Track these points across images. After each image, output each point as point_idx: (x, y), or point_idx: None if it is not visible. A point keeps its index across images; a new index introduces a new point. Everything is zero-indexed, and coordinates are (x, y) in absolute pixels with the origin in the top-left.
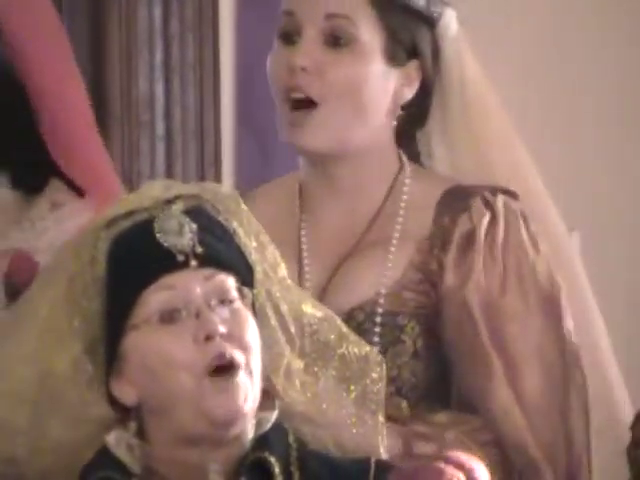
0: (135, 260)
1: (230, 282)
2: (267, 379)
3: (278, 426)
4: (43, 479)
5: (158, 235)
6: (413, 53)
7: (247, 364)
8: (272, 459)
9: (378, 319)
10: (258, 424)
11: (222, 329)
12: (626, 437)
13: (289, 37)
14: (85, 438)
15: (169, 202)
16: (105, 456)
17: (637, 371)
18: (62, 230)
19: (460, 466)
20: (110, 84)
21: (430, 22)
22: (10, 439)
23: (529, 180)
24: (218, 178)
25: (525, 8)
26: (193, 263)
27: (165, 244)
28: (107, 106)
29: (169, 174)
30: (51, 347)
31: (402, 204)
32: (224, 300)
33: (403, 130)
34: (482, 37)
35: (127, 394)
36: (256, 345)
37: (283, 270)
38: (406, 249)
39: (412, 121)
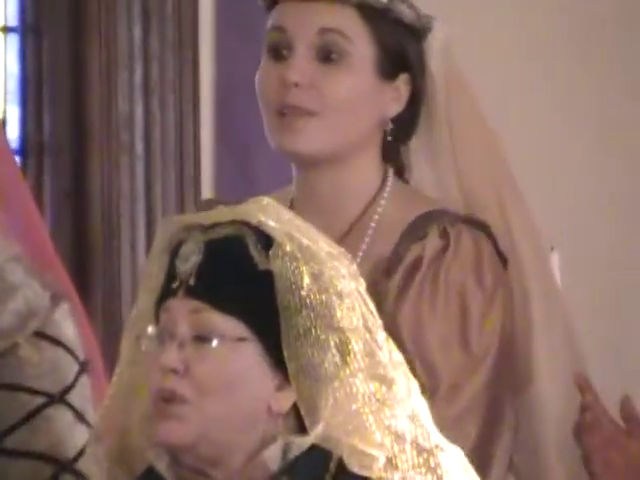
0: (166, 276)
1: (217, 321)
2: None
3: (319, 450)
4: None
5: (177, 258)
6: (403, 67)
7: (197, 403)
8: None
9: None
10: (286, 448)
11: (174, 365)
12: None
13: (279, 52)
14: None
15: (216, 225)
16: (150, 471)
17: (619, 388)
18: None
19: None
20: (90, 104)
21: (419, 36)
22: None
23: (510, 196)
24: (197, 198)
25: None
26: (180, 293)
27: (176, 268)
28: (87, 126)
29: (148, 194)
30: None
31: (372, 224)
32: (204, 338)
33: (388, 144)
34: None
35: None
36: (224, 390)
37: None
38: (364, 269)
39: (398, 135)
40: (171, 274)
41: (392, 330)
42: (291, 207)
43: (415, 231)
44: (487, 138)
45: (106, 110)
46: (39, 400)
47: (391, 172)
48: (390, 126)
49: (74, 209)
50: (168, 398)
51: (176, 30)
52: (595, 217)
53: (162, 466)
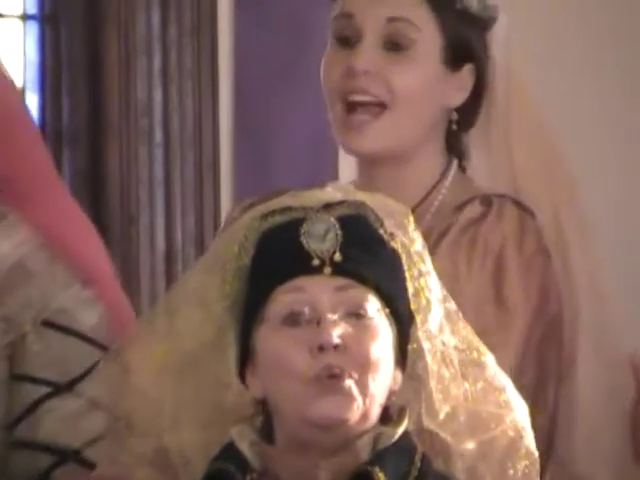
0: (275, 256)
1: (366, 297)
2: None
3: (405, 443)
4: (182, 456)
5: (302, 236)
6: (468, 57)
7: (359, 381)
8: (380, 474)
9: None
10: (377, 438)
11: (337, 341)
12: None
13: (346, 40)
14: (221, 424)
15: (329, 205)
16: (229, 449)
17: None
18: (4, 246)
19: None
20: (108, 91)
21: (484, 26)
22: (155, 410)
23: (566, 196)
24: (216, 185)
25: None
26: (327, 270)
27: (305, 246)
28: (105, 113)
29: (167, 180)
30: (197, 326)
31: (432, 210)
32: (354, 314)
33: (453, 133)
34: None
35: (255, 387)
36: (379, 365)
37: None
38: None
39: (460, 124)
40: (288, 253)
41: None
42: None
43: (459, 206)
44: (544, 134)
45: (124, 97)
46: (43, 390)
47: (455, 163)
48: (455, 116)
49: (93, 196)
50: (336, 375)
51: (194, 16)
52: (595, 203)
53: (244, 445)
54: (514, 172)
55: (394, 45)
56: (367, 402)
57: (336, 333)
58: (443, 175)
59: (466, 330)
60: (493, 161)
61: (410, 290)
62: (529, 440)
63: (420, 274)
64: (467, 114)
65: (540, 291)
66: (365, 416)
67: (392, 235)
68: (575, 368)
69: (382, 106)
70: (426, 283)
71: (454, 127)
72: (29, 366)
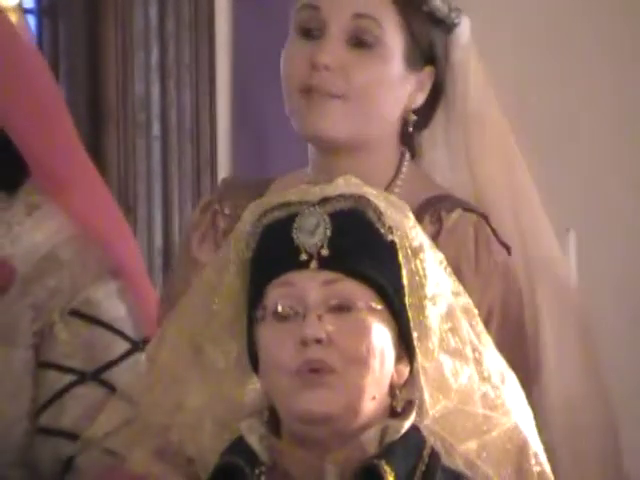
0: (270, 251)
1: (355, 291)
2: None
3: (413, 437)
4: (201, 452)
5: (293, 231)
6: (429, 59)
7: (344, 375)
8: (387, 468)
9: None
10: (384, 432)
11: (320, 336)
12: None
13: (310, 31)
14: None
15: (327, 200)
16: (239, 443)
17: (635, 372)
18: (37, 235)
19: None
20: (106, 84)
21: (446, 29)
22: (176, 405)
23: (523, 199)
24: (214, 178)
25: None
26: (313, 264)
27: (296, 241)
28: (103, 106)
29: (165, 174)
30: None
31: None
32: (343, 307)
33: (405, 132)
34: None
35: (260, 381)
36: (368, 360)
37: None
38: None
39: (415, 124)
40: (281, 248)
41: None
42: None
43: (427, 211)
44: (504, 141)
45: (122, 91)
46: (69, 378)
47: (408, 156)
48: (414, 118)
49: None
50: (318, 368)
51: (192, 10)
52: (612, 198)
53: (253, 439)
54: (473, 175)
55: (358, 42)
56: (353, 396)
57: (320, 327)
58: (397, 171)
59: (467, 328)
60: (453, 160)
61: (407, 285)
62: (535, 441)
63: (419, 269)
64: (422, 116)
65: (503, 301)
66: (354, 411)
67: (390, 229)
68: (540, 374)
69: (339, 97)
70: (425, 278)
71: (410, 129)
72: (55, 354)
